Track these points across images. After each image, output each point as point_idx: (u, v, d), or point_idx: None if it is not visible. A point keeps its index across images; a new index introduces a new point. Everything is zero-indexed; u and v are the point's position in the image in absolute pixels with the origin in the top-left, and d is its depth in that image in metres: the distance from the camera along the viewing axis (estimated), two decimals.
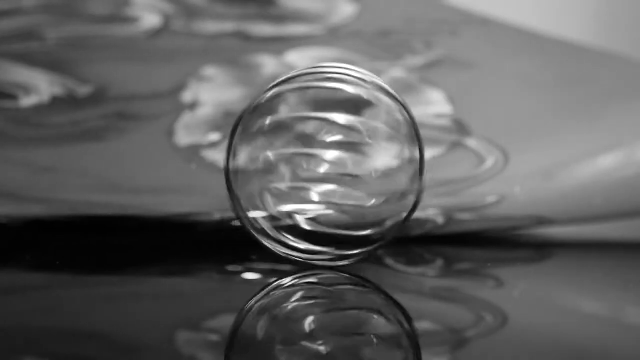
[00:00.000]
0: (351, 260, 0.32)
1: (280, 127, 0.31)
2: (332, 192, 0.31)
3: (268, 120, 0.31)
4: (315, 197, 0.31)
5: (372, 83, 0.31)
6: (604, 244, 0.43)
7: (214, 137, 0.40)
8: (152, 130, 0.40)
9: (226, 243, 0.38)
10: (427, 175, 0.32)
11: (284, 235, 0.31)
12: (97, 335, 0.26)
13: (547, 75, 0.43)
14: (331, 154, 0.31)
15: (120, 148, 0.40)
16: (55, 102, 0.41)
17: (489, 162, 0.39)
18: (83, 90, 0.41)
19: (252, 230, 0.32)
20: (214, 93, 0.41)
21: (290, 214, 0.31)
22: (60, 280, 0.34)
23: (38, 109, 0.41)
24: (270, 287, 0.32)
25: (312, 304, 0.30)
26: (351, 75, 0.31)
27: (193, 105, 0.41)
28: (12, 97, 0.41)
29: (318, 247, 0.31)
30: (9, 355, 0.24)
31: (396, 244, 0.37)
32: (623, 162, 0.40)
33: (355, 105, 0.31)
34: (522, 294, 0.33)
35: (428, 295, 0.33)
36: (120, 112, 0.41)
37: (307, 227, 0.31)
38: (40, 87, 0.41)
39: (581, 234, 0.43)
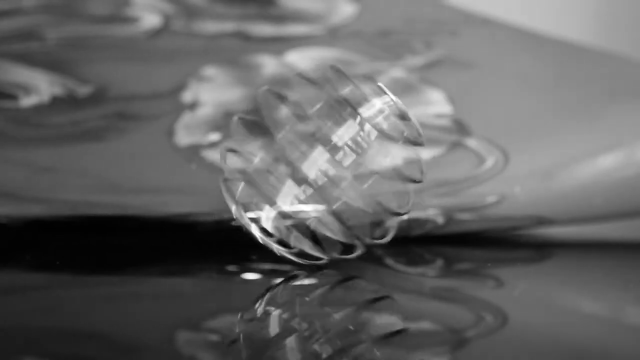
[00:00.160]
0: (349, 257, 0.32)
1: (279, 127, 0.31)
2: (329, 192, 0.31)
3: (267, 119, 0.31)
4: (312, 197, 0.31)
5: (370, 84, 0.31)
6: (604, 244, 0.43)
7: (214, 137, 0.40)
8: (152, 130, 0.40)
9: (226, 243, 0.38)
10: (426, 176, 0.32)
11: (282, 235, 0.31)
12: (97, 335, 0.26)
13: (547, 75, 0.43)
14: (329, 154, 0.31)
15: (120, 148, 0.40)
16: (55, 102, 0.41)
17: (489, 162, 0.39)
18: (83, 90, 0.41)
19: (250, 230, 0.32)
20: (214, 93, 0.41)
21: (287, 214, 0.31)
22: (60, 280, 0.34)
23: (38, 109, 0.41)
24: (269, 287, 0.32)
25: (312, 304, 0.30)
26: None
27: (193, 105, 0.41)
28: (12, 97, 0.41)
29: (317, 246, 0.32)
30: (9, 355, 0.24)
31: (396, 243, 0.37)
32: (623, 162, 0.40)
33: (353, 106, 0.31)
34: (522, 294, 0.33)
35: (428, 295, 0.33)
36: (120, 112, 0.41)
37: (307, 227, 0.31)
38: (40, 87, 0.41)
39: (581, 234, 0.43)
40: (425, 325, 0.28)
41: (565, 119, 0.41)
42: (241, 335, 0.27)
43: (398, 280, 0.35)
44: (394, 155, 0.31)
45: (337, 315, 0.29)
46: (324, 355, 0.25)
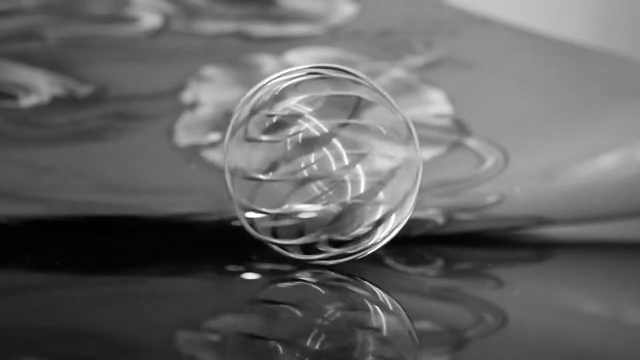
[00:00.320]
0: (348, 259, 0.32)
1: (278, 126, 0.31)
2: (327, 191, 0.31)
3: (266, 119, 0.31)
4: (310, 196, 0.31)
5: (369, 85, 0.31)
6: (604, 244, 0.43)
7: (214, 137, 0.40)
8: (152, 130, 0.40)
9: (226, 243, 0.38)
10: (423, 178, 0.32)
11: (281, 235, 0.31)
12: (97, 335, 0.26)
13: (547, 75, 0.43)
14: (327, 154, 0.31)
15: (120, 148, 0.40)
16: (55, 102, 0.41)
17: (489, 162, 0.39)
18: (83, 90, 0.41)
19: (251, 230, 0.32)
20: (214, 93, 0.41)
21: (287, 213, 0.31)
22: (60, 280, 0.34)
23: (38, 109, 0.41)
24: (269, 286, 0.32)
25: (310, 303, 0.30)
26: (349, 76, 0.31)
27: (193, 105, 0.41)
28: (12, 97, 0.41)
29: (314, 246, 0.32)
30: (9, 355, 0.24)
31: (396, 243, 0.37)
32: (623, 162, 0.40)
33: (352, 106, 0.31)
34: (522, 294, 0.33)
35: (428, 295, 0.33)
36: (120, 112, 0.41)
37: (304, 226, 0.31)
38: (40, 87, 0.41)
39: (581, 234, 0.43)
40: (425, 325, 0.28)
41: (565, 118, 0.41)
42: (240, 335, 0.27)
43: (398, 280, 0.35)
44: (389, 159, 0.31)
45: (337, 315, 0.29)
46: (324, 355, 0.25)
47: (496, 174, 0.39)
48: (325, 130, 0.31)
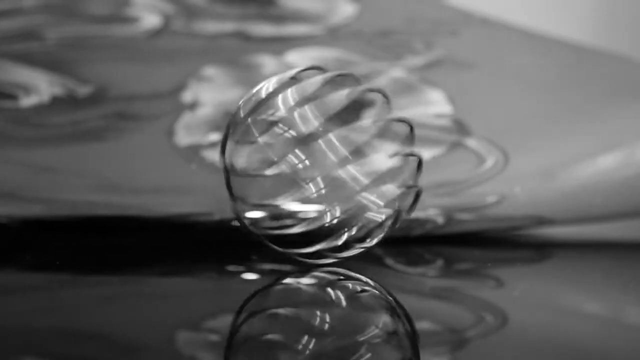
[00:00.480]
0: (347, 257, 0.32)
1: (276, 127, 0.31)
2: (326, 192, 0.31)
3: (265, 118, 0.31)
4: (310, 196, 0.31)
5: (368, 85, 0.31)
6: (604, 244, 0.43)
7: (214, 137, 0.40)
8: (152, 130, 0.40)
9: (226, 243, 0.38)
10: (423, 178, 0.32)
11: (279, 234, 0.31)
12: (97, 335, 0.26)
13: (547, 75, 0.43)
14: (326, 154, 0.31)
15: (120, 148, 0.40)
16: (55, 102, 0.41)
17: (489, 162, 0.39)
18: (83, 90, 0.41)
19: (251, 229, 0.32)
20: (214, 93, 0.41)
21: (286, 213, 0.31)
22: (60, 280, 0.34)
23: (38, 109, 0.41)
24: (269, 286, 0.32)
25: (310, 303, 0.30)
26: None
27: (193, 105, 0.41)
28: (12, 97, 0.41)
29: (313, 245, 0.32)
30: (9, 355, 0.24)
31: (396, 243, 0.37)
32: (623, 162, 0.40)
33: (351, 107, 0.31)
34: (522, 294, 0.33)
35: (428, 295, 0.33)
36: (120, 112, 0.41)
37: (302, 226, 0.31)
38: (40, 87, 0.41)
39: (581, 234, 0.43)
40: (425, 325, 0.28)
41: (565, 119, 0.41)
42: (239, 335, 0.27)
43: (398, 280, 0.35)
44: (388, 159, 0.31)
45: (336, 315, 0.29)
46: (323, 355, 0.25)
47: (496, 174, 0.39)
48: (321, 129, 0.31)
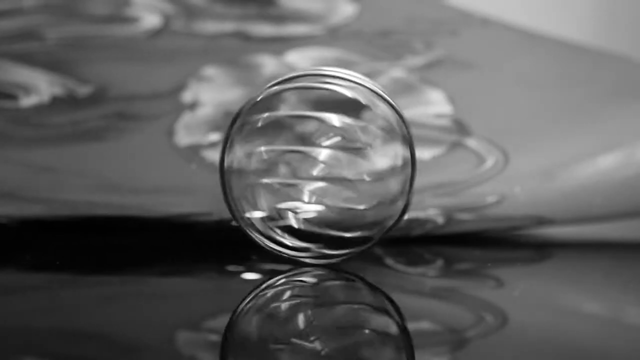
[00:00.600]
0: (342, 258, 0.32)
1: (276, 126, 0.31)
2: (324, 191, 0.31)
3: (264, 118, 0.31)
4: (306, 196, 0.31)
5: (368, 87, 0.31)
6: (604, 244, 0.43)
7: (214, 137, 0.40)
8: (152, 130, 0.40)
9: (226, 243, 0.38)
10: (423, 178, 0.32)
11: (278, 234, 0.31)
12: (97, 335, 0.26)
13: (547, 75, 0.43)
14: (325, 154, 0.31)
15: (120, 148, 0.40)
16: (55, 102, 0.41)
17: (489, 162, 0.39)
18: (83, 90, 0.41)
19: (247, 228, 0.32)
20: (214, 93, 0.41)
21: (283, 212, 0.31)
22: (60, 280, 0.34)
23: (38, 109, 0.41)
24: (263, 286, 0.32)
25: (309, 303, 0.30)
26: (348, 79, 0.31)
27: (193, 105, 0.41)
28: (12, 97, 0.41)
29: (311, 245, 0.32)
30: (9, 355, 0.24)
31: (396, 243, 0.37)
32: (623, 162, 0.40)
33: (351, 108, 0.31)
34: (522, 294, 0.33)
35: (428, 295, 0.33)
36: (120, 112, 0.41)
37: (299, 226, 0.31)
38: (40, 87, 0.41)
39: (581, 234, 0.43)
40: (425, 325, 0.28)
41: (565, 119, 0.41)
42: (239, 335, 0.27)
43: (398, 280, 0.35)
44: (387, 159, 0.31)
45: (336, 315, 0.29)
46: (323, 355, 0.25)
47: (496, 174, 0.39)
48: (321, 129, 0.31)
